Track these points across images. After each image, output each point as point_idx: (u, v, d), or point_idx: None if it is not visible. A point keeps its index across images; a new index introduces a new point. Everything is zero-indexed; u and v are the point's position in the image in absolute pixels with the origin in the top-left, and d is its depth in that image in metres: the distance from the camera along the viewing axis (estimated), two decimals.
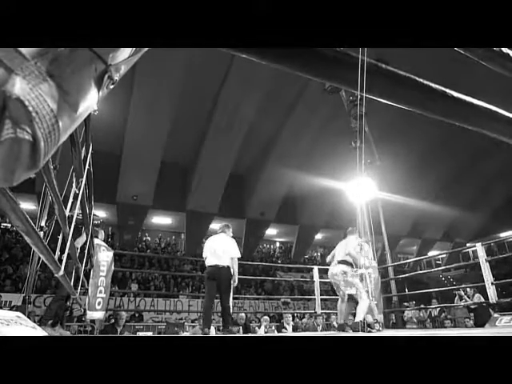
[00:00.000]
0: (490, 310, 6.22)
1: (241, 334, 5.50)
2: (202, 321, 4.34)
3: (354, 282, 4.34)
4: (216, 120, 13.89)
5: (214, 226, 18.02)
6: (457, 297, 7.62)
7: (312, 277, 6.51)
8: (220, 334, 5.17)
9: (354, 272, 4.39)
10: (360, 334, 3.85)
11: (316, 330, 7.10)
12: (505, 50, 1.22)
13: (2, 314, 1.27)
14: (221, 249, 4.23)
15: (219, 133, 14.10)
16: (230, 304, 4.42)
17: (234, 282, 4.23)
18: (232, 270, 4.20)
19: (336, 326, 7.44)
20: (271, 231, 19.70)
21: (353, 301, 4.51)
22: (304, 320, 8.42)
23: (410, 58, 8.05)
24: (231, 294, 4.47)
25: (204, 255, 4.34)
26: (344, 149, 8.71)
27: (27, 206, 12.66)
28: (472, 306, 7.01)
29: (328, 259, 4.76)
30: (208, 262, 4.22)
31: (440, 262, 22.65)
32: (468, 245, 17.80)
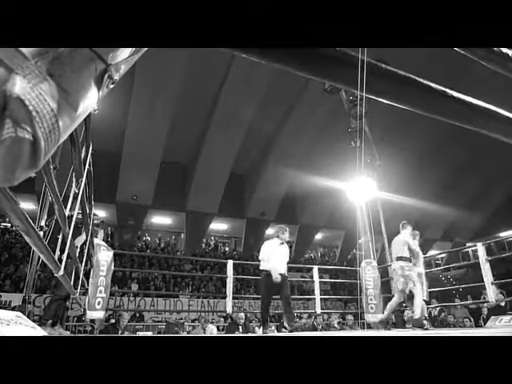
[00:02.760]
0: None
1: (240, 334, 5.50)
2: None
3: (410, 276, 4.54)
4: (216, 120, 13.89)
5: (214, 225, 18.05)
6: (483, 295, 7.58)
7: (312, 276, 6.50)
8: (223, 335, 5.18)
9: (411, 266, 4.62)
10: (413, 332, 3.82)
11: (316, 330, 7.10)
12: (505, 50, 1.22)
13: (2, 314, 1.27)
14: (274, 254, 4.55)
15: (219, 132, 14.09)
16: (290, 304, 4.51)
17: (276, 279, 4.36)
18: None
19: (336, 325, 7.42)
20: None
21: (402, 296, 4.73)
22: (303, 320, 8.41)
23: (410, 58, 8.05)
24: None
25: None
26: (344, 149, 8.70)
27: (27, 205, 12.64)
28: (489, 306, 6.96)
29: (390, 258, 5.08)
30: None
31: (440, 262, 22.63)
32: (468, 244, 17.80)
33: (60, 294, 4.31)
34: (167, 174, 15.26)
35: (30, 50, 0.38)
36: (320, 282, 6.35)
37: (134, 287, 11.98)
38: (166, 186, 15.43)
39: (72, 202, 2.00)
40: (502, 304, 6.17)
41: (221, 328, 9.12)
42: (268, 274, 4.37)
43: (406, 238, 4.79)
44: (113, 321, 6.61)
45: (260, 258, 4.62)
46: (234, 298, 5.57)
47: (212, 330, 6.41)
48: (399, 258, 4.67)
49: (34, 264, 4.77)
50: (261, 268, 4.54)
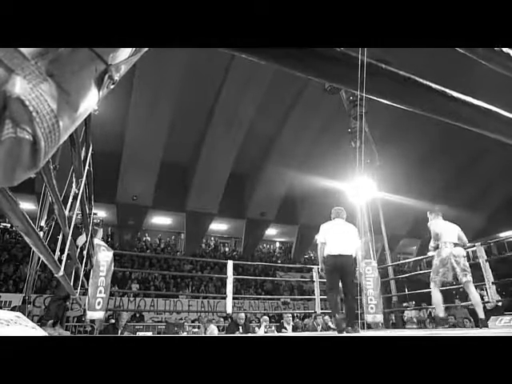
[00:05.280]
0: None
1: (240, 334, 5.50)
2: (332, 312, 3.84)
3: (468, 267, 4.19)
4: (216, 120, 13.89)
5: (214, 226, 18.05)
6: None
7: (312, 277, 6.51)
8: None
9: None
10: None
11: (316, 330, 7.10)
12: (505, 49, 1.22)
13: (2, 314, 1.27)
14: (344, 236, 3.98)
15: (219, 132, 14.10)
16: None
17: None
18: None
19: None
20: (271, 231, 19.69)
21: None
22: (306, 320, 8.42)
23: (410, 58, 8.06)
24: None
25: (323, 241, 4.07)
26: (344, 149, 8.71)
27: (27, 206, 12.65)
28: (489, 307, 6.96)
29: (435, 242, 4.47)
30: (331, 251, 3.92)
31: None
32: (468, 245, 17.79)
33: (60, 294, 4.31)
34: (167, 174, 15.26)
35: (29, 50, 0.38)
36: (320, 282, 6.35)
37: (134, 287, 11.99)
38: (166, 187, 15.44)
39: (72, 203, 2.00)
40: (500, 304, 6.18)
41: (221, 328, 9.12)
42: None
43: (454, 226, 4.38)
44: (113, 321, 6.62)
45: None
46: (234, 299, 5.58)
47: (213, 331, 6.42)
48: (458, 245, 4.30)
49: (33, 264, 4.77)
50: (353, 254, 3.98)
